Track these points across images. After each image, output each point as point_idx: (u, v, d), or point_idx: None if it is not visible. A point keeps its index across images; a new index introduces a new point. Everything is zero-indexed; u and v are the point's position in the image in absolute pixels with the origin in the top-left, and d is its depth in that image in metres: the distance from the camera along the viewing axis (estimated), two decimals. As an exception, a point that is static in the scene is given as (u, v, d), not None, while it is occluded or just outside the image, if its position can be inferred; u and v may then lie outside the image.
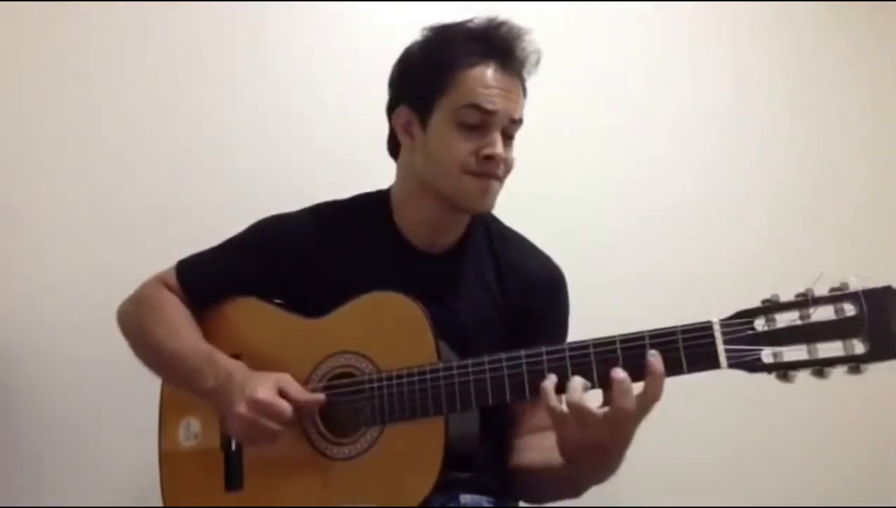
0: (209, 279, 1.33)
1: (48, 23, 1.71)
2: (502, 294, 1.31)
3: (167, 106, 1.75)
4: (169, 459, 1.30)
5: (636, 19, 2.03)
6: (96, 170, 1.71)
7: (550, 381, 1.02)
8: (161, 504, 1.29)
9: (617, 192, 1.96)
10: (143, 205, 1.72)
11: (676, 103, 2.03)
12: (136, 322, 1.33)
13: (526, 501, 1.30)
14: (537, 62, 1.27)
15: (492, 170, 1.22)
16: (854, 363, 0.88)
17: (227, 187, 1.75)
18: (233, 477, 1.24)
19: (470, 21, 1.27)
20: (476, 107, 1.20)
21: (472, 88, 1.21)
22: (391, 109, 1.30)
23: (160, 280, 1.35)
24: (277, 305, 1.31)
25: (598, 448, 1.01)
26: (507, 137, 1.24)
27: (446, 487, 1.15)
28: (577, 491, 1.16)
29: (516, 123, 1.24)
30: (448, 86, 1.21)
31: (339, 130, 1.77)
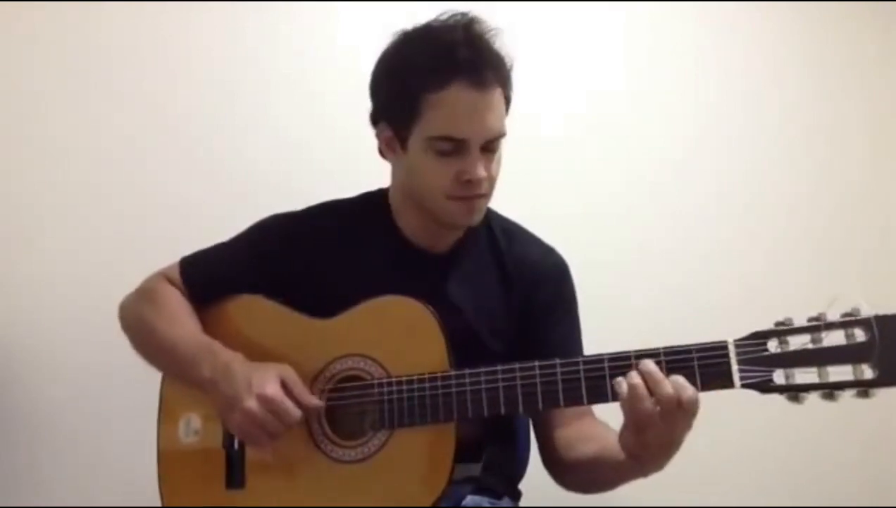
0: (212, 276, 1.37)
1: (49, 23, 1.74)
2: (509, 290, 1.34)
3: (168, 106, 1.79)
4: (168, 456, 1.32)
5: (654, 25, 2.06)
6: (96, 171, 1.76)
7: (625, 385, 1.04)
8: (160, 502, 1.31)
9: (632, 207, 2.01)
10: (144, 204, 1.77)
11: (692, 118, 2.07)
12: (136, 315, 1.36)
13: (582, 492, 1.30)
14: (511, 66, 1.26)
15: (473, 192, 1.23)
16: (863, 388, 0.95)
17: (230, 187, 1.79)
18: (234, 476, 1.27)
19: (437, 25, 1.24)
20: (446, 138, 1.21)
21: (442, 116, 1.20)
22: (374, 121, 1.32)
23: (163, 276, 1.39)
24: (284, 304, 1.33)
25: (666, 445, 1.06)
26: (490, 151, 1.24)
27: (452, 490, 1.19)
28: (641, 476, 1.18)
29: (497, 139, 1.24)
30: (418, 112, 1.21)
31: (342, 130, 1.77)
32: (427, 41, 1.24)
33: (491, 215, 1.39)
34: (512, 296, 1.34)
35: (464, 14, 1.25)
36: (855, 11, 2.15)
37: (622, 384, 1.05)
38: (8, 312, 1.69)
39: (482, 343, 1.30)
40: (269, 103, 1.85)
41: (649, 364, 1.05)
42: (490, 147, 1.24)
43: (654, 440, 1.04)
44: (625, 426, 1.07)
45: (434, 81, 1.19)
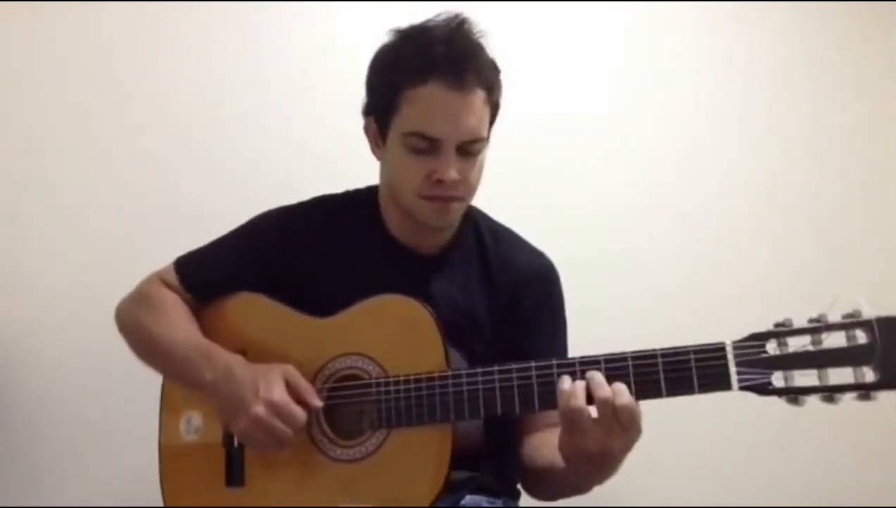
0: (207, 274, 1.36)
1: (48, 23, 1.74)
2: (491, 291, 1.33)
3: (168, 106, 1.79)
4: (169, 454, 1.32)
5: (654, 25, 2.05)
6: (96, 170, 1.75)
7: (568, 383, 1.06)
8: (161, 500, 1.31)
9: (632, 207, 2.00)
10: (144, 204, 1.76)
11: (692, 118, 2.06)
12: (133, 319, 1.36)
13: (540, 499, 1.34)
14: (494, 69, 1.24)
15: (445, 193, 1.22)
16: (864, 391, 0.93)
17: (229, 187, 1.79)
18: (234, 474, 1.27)
19: (426, 24, 1.24)
20: (420, 134, 1.20)
21: (417, 112, 1.20)
22: (364, 116, 1.32)
23: (158, 278, 1.38)
24: (282, 302, 1.32)
25: (600, 455, 1.06)
26: (468, 155, 1.22)
27: (450, 489, 1.18)
28: (580, 490, 1.21)
29: (474, 142, 1.22)
30: (396, 106, 1.21)
31: (342, 130, 1.71)
32: (412, 39, 1.24)
33: (479, 217, 1.39)
34: (496, 299, 1.33)
35: (456, 15, 1.24)
36: (855, 11, 2.14)
37: (564, 381, 1.06)
38: (8, 312, 1.69)
39: (465, 346, 1.28)
40: (269, 103, 1.84)
41: (594, 372, 1.06)
42: (468, 150, 1.22)
43: (587, 445, 1.05)
44: (561, 428, 1.09)
45: (412, 77, 1.19)
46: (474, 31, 1.23)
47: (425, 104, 1.19)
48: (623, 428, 1.04)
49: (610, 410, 1.03)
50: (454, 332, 1.25)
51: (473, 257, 1.35)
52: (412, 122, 1.20)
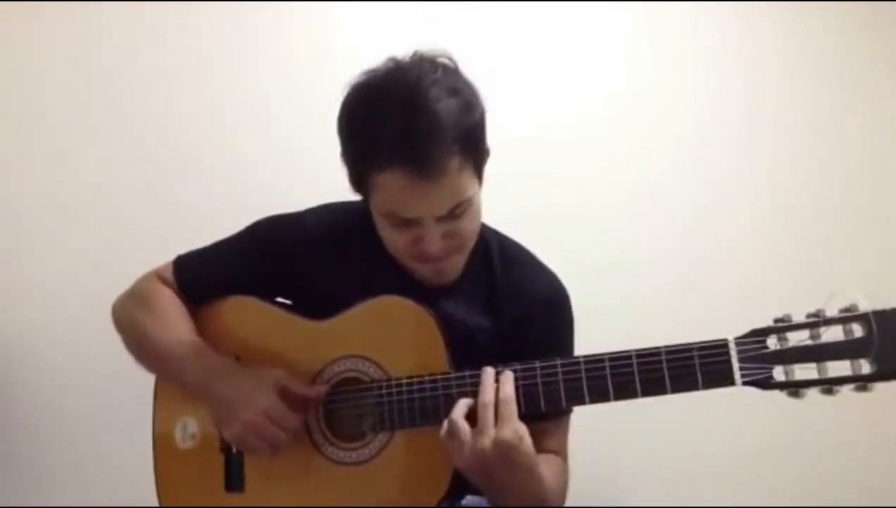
0: (206, 275, 1.36)
1: (49, 23, 1.76)
2: (497, 317, 1.29)
3: (167, 107, 1.81)
4: (165, 461, 1.32)
5: (655, 26, 2.07)
6: (96, 170, 1.77)
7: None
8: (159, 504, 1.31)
9: (628, 207, 2.01)
10: (144, 205, 1.78)
11: (688, 116, 2.08)
12: (128, 315, 1.36)
13: None
14: (467, 113, 1.13)
15: (437, 256, 1.20)
16: (861, 383, 0.96)
17: (229, 188, 1.81)
18: (233, 479, 1.27)
19: (383, 92, 1.13)
20: (393, 215, 1.17)
21: (386, 197, 1.15)
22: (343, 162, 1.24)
23: (156, 275, 1.38)
24: (279, 306, 1.32)
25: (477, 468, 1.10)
26: (452, 219, 1.17)
27: (453, 489, 1.19)
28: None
29: (457, 207, 1.16)
30: (367, 187, 1.18)
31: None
32: (367, 117, 1.15)
33: (490, 236, 1.35)
34: (503, 324, 1.30)
35: (407, 81, 1.13)
36: (855, 11, 2.16)
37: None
38: (8, 312, 1.71)
39: (465, 361, 1.25)
40: (269, 104, 1.86)
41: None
42: (453, 215, 1.17)
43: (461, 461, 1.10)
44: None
45: (374, 163, 1.13)
46: (441, 89, 1.12)
47: (391, 190, 1.14)
48: (462, 447, 1.08)
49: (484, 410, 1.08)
50: (456, 354, 1.23)
51: (481, 279, 1.31)
52: (384, 205, 1.17)
